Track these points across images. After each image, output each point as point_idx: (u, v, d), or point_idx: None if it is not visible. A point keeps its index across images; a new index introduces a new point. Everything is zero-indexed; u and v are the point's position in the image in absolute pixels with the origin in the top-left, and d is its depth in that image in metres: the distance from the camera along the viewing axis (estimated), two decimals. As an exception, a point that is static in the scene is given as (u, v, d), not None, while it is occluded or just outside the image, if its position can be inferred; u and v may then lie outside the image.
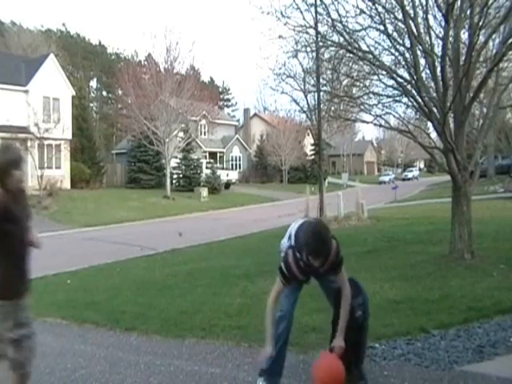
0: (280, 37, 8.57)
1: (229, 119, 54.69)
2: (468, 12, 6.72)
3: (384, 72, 7.54)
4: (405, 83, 7.29)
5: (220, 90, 75.77)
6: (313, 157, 47.33)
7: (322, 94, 13.78)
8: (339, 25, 7.36)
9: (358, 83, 8.82)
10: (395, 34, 7.51)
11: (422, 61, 7.25)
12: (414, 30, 6.87)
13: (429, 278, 6.15)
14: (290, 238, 3.33)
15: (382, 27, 7.29)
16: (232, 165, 47.20)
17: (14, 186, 3.03)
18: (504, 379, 3.29)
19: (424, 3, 7.04)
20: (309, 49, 9.32)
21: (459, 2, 6.73)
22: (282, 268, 3.23)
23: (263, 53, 41.50)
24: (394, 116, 9.17)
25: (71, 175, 30.53)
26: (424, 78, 7.43)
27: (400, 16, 7.05)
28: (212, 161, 40.76)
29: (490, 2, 6.44)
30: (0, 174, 2.96)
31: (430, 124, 8.39)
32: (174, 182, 34.75)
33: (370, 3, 7.25)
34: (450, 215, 7.42)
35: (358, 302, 3.27)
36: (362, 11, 7.38)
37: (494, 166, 34.31)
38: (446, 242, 7.59)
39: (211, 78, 74.96)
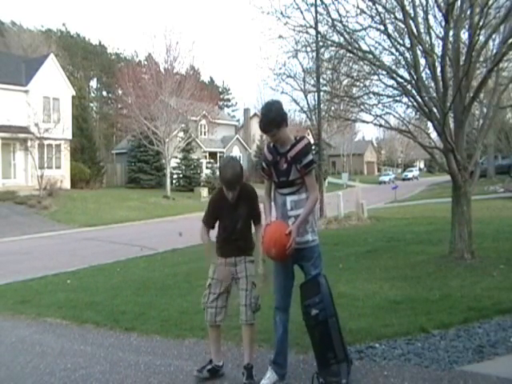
0: (280, 37, 8.58)
1: (229, 119, 54.69)
2: (468, 12, 6.72)
3: (384, 72, 7.53)
4: (405, 83, 7.29)
5: (220, 90, 75.77)
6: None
7: (322, 93, 13.78)
8: (339, 25, 7.36)
9: (358, 83, 8.81)
10: (395, 34, 7.51)
11: (422, 61, 7.24)
12: (415, 30, 6.87)
13: (429, 278, 6.15)
14: None
15: (382, 27, 7.29)
16: (232, 165, 47.15)
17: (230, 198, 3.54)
18: (504, 379, 3.29)
19: (424, 3, 7.04)
20: (309, 49, 9.33)
21: (459, 2, 6.73)
22: (261, 162, 3.64)
23: (263, 53, 41.54)
24: (394, 116, 9.17)
25: (71, 175, 30.56)
26: (424, 78, 7.43)
27: (400, 16, 7.05)
28: (212, 161, 40.77)
29: (490, 2, 6.44)
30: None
31: (430, 124, 8.39)
32: (174, 181, 34.78)
33: (370, 3, 7.25)
34: (450, 215, 7.42)
35: (314, 301, 3.30)
36: (362, 11, 7.38)
37: (494, 166, 34.31)
38: (446, 242, 7.59)
39: (211, 78, 75.05)
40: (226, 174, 3.44)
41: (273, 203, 3.62)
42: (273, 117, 3.35)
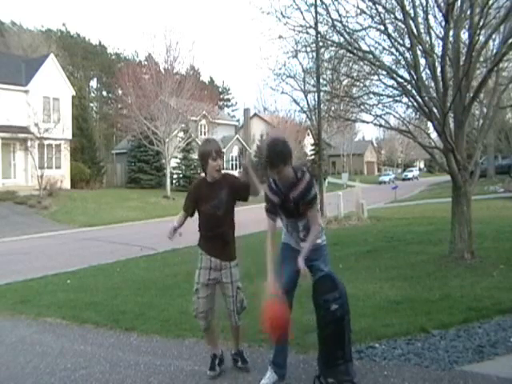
0: (280, 37, 8.56)
1: (229, 119, 54.68)
2: (468, 12, 6.71)
3: (384, 72, 7.53)
4: (405, 83, 7.29)
5: (220, 89, 75.75)
6: (313, 157, 47.30)
7: (322, 94, 13.78)
8: (339, 25, 7.36)
9: (358, 83, 8.81)
10: (395, 34, 7.51)
11: (422, 61, 7.24)
12: (415, 30, 6.87)
13: (429, 278, 6.15)
14: None
15: (382, 27, 7.29)
16: (232, 165, 47.21)
17: (209, 175, 3.64)
18: (504, 379, 3.29)
19: (424, 3, 7.04)
20: (309, 49, 9.31)
21: (459, 2, 6.72)
22: (265, 198, 3.55)
23: (263, 53, 41.54)
24: (394, 116, 9.17)
25: (71, 175, 30.56)
26: (424, 78, 7.42)
27: (400, 16, 7.05)
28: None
29: (490, 2, 6.44)
30: (201, 162, 3.68)
31: (430, 124, 8.39)
32: (174, 181, 34.78)
33: (370, 3, 7.25)
34: (450, 215, 7.42)
35: (334, 296, 3.28)
36: (362, 11, 7.39)
37: (494, 166, 34.30)
38: (446, 242, 7.59)
39: (211, 78, 74.99)
40: (212, 143, 3.70)
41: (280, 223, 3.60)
42: (280, 150, 3.29)
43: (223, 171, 3.71)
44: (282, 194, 3.42)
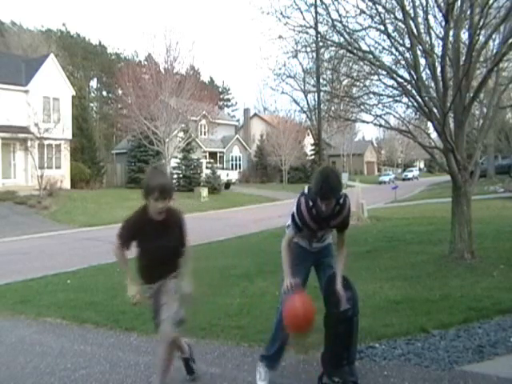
0: (280, 37, 8.57)
1: (229, 119, 54.68)
2: (468, 12, 6.72)
3: (384, 72, 7.53)
4: (405, 83, 7.29)
5: (220, 89, 75.78)
6: (313, 157, 47.33)
7: (322, 94, 13.76)
8: (339, 25, 7.36)
9: (358, 83, 8.81)
10: (395, 34, 7.51)
11: (422, 61, 7.25)
12: (415, 30, 6.87)
13: (429, 278, 6.15)
14: (303, 190, 3.44)
15: (382, 27, 7.29)
16: (232, 165, 47.21)
17: (152, 213, 3.17)
18: (504, 379, 3.29)
19: (424, 3, 7.04)
20: (309, 49, 9.31)
21: (459, 2, 6.72)
22: (295, 216, 3.32)
23: (263, 53, 41.54)
24: (394, 116, 9.18)
25: (71, 175, 30.54)
26: (424, 78, 7.43)
27: (400, 16, 7.05)
28: (212, 161, 40.76)
29: (490, 2, 6.44)
30: (143, 195, 3.18)
31: (430, 124, 8.39)
32: (173, 181, 34.74)
33: (370, 3, 7.26)
34: (450, 215, 7.42)
35: (347, 296, 3.28)
36: (362, 11, 7.39)
37: (494, 165, 34.28)
38: (446, 242, 7.59)
39: (211, 78, 75.02)
40: (158, 179, 3.12)
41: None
42: (336, 184, 3.13)
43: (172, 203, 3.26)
44: (324, 221, 3.29)
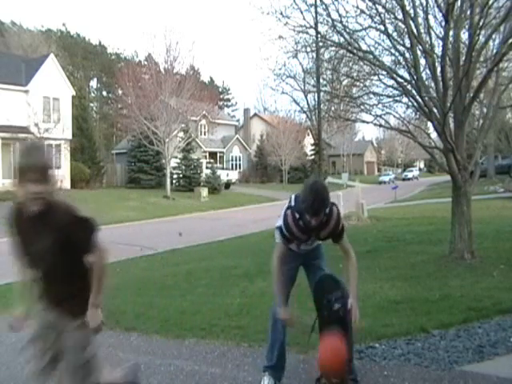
0: (280, 37, 8.56)
1: (229, 119, 54.70)
2: (468, 12, 6.72)
3: (384, 72, 7.54)
4: (405, 83, 7.29)
5: (220, 90, 75.79)
6: (313, 157, 47.35)
7: (322, 94, 13.77)
8: (339, 25, 7.36)
9: (358, 83, 8.82)
10: (395, 34, 7.51)
11: (422, 61, 7.25)
12: (415, 30, 6.87)
13: (429, 278, 6.15)
14: (289, 201, 3.34)
15: (382, 27, 7.29)
16: (232, 165, 47.21)
17: (26, 201, 2.41)
18: (504, 379, 3.29)
19: (424, 3, 7.04)
20: (309, 49, 9.31)
21: (459, 2, 6.73)
22: (282, 229, 3.26)
23: (263, 53, 41.49)
24: (394, 116, 9.18)
25: (71, 175, 30.54)
26: (424, 78, 7.43)
27: (400, 16, 7.05)
28: (212, 161, 40.78)
29: (490, 2, 6.44)
30: (15, 177, 2.48)
31: (430, 124, 8.39)
32: (173, 181, 34.76)
33: (370, 3, 7.26)
34: (450, 215, 7.42)
35: (336, 295, 3.27)
36: (362, 11, 7.39)
37: (494, 166, 34.28)
38: (446, 242, 7.59)
39: (211, 78, 75.06)
40: (29, 156, 2.38)
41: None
42: (325, 198, 3.02)
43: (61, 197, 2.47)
44: (313, 232, 3.22)
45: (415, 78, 6.99)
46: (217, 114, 42.13)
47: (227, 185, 38.03)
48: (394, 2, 7.16)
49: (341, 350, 3.03)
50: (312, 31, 8.16)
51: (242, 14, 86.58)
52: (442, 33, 6.90)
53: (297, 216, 3.18)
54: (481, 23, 6.45)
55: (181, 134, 34.22)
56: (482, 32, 6.96)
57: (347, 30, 7.42)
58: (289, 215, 3.23)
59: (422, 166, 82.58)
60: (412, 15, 6.90)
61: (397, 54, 7.60)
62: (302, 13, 7.83)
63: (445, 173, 8.03)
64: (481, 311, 4.58)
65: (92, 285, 2.48)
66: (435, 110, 7.04)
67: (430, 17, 7.26)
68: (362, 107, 8.79)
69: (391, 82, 7.73)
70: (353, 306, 3.20)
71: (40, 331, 2.57)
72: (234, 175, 42.03)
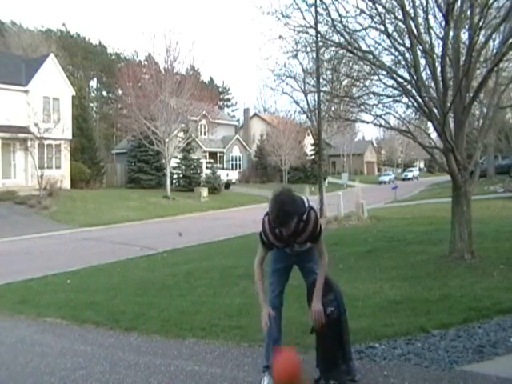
0: (280, 37, 8.55)
1: (229, 119, 54.70)
2: (468, 12, 6.72)
3: (384, 72, 7.53)
4: (405, 83, 7.29)
5: (220, 90, 75.78)
6: (313, 157, 47.34)
7: (322, 94, 13.76)
8: (339, 25, 7.36)
9: (358, 83, 8.81)
10: (395, 34, 7.50)
11: (422, 61, 7.25)
12: (415, 30, 6.87)
13: (429, 278, 6.15)
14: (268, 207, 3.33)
15: (382, 27, 7.29)
16: (232, 165, 47.21)
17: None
18: (504, 379, 3.29)
19: (424, 3, 7.04)
20: (309, 49, 9.31)
21: (459, 2, 6.73)
22: (262, 235, 3.31)
23: (263, 54, 41.48)
24: (394, 116, 9.16)
25: (71, 175, 30.53)
26: (424, 78, 7.43)
27: (400, 16, 7.05)
28: (212, 161, 40.78)
29: (490, 2, 6.44)
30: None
31: (430, 124, 8.39)
32: (174, 181, 34.77)
33: (370, 3, 7.25)
34: (450, 215, 7.42)
35: (329, 299, 3.28)
36: (362, 11, 7.38)
37: (494, 166, 34.29)
38: (446, 242, 7.59)
39: (211, 78, 75.04)
40: None
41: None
42: (288, 209, 3.02)
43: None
44: (289, 240, 3.24)
45: (415, 78, 6.99)
46: (217, 114, 42.13)
47: (227, 185, 38.03)
48: (394, 2, 7.16)
49: (293, 366, 3.03)
50: (312, 31, 8.17)
51: (242, 14, 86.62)
52: (442, 33, 6.90)
53: (273, 224, 3.18)
54: (481, 23, 6.45)
55: (181, 134, 34.22)
56: (482, 32, 6.96)
57: (347, 29, 7.42)
58: (266, 222, 3.26)
59: (422, 165, 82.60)
60: (412, 15, 6.90)
61: (397, 53, 7.60)
62: (302, 13, 7.83)
63: (445, 173, 8.04)
64: (481, 311, 4.58)
65: None
66: (435, 110, 7.04)
67: (430, 17, 7.27)
68: (361, 107, 8.79)
69: (391, 82, 7.73)
70: (314, 309, 3.20)
71: None
72: (233, 175, 42.03)
